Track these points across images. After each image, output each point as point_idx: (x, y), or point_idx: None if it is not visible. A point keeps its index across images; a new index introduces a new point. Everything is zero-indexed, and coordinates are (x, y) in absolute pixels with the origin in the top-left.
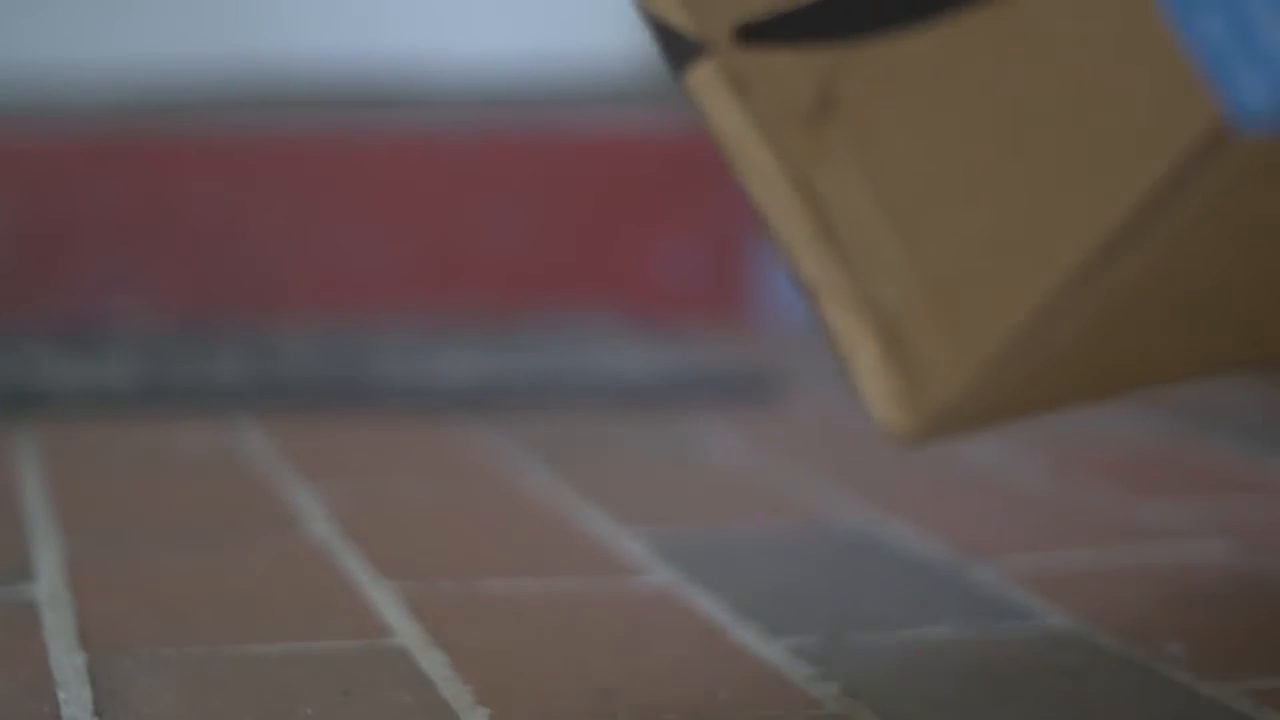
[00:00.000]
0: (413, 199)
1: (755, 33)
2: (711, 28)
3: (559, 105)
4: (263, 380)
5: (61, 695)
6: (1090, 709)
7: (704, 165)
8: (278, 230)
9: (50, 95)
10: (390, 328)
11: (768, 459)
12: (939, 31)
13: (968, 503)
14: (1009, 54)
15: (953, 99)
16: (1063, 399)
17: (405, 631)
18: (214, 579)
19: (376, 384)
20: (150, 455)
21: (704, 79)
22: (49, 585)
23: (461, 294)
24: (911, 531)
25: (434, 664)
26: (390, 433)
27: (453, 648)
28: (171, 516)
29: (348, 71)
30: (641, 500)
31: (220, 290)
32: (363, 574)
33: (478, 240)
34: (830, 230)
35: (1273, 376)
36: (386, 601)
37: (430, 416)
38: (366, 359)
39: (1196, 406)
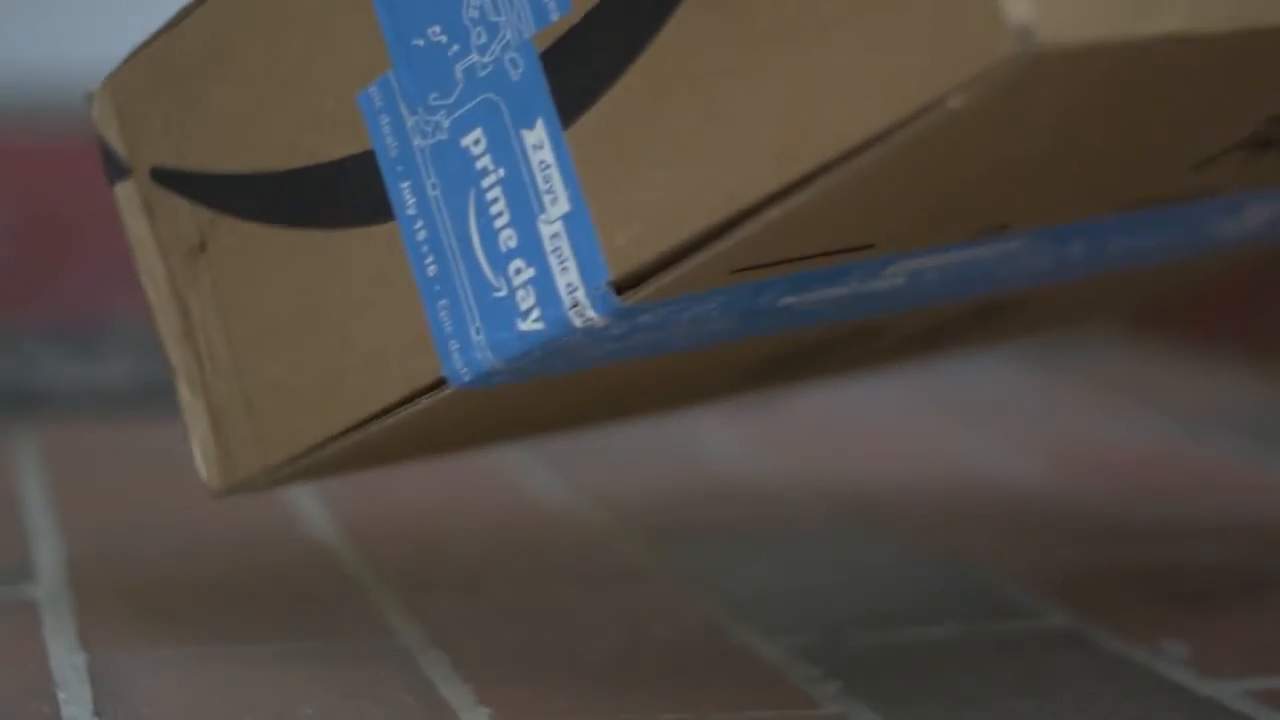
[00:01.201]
0: None
1: (162, 177)
2: (137, 160)
3: None
4: None
5: (61, 695)
6: (1090, 709)
7: None
8: None
9: (50, 95)
10: None
11: (768, 459)
12: (282, 232)
13: (968, 503)
14: (317, 266)
15: (278, 279)
16: (356, 469)
17: (406, 632)
18: (214, 579)
19: None
20: (150, 455)
21: (127, 195)
22: (49, 585)
23: None
24: (912, 531)
25: (434, 664)
26: None
27: (453, 648)
28: (171, 516)
29: None
30: (641, 500)
31: None
32: (363, 574)
33: None
34: (191, 335)
35: (1273, 377)
36: (387, 602)
37: None
38: None
39: (1196, 406)
